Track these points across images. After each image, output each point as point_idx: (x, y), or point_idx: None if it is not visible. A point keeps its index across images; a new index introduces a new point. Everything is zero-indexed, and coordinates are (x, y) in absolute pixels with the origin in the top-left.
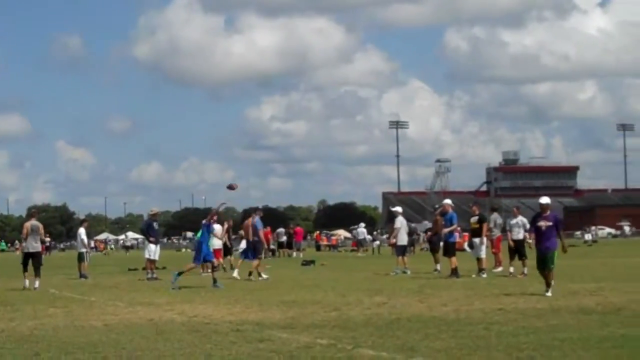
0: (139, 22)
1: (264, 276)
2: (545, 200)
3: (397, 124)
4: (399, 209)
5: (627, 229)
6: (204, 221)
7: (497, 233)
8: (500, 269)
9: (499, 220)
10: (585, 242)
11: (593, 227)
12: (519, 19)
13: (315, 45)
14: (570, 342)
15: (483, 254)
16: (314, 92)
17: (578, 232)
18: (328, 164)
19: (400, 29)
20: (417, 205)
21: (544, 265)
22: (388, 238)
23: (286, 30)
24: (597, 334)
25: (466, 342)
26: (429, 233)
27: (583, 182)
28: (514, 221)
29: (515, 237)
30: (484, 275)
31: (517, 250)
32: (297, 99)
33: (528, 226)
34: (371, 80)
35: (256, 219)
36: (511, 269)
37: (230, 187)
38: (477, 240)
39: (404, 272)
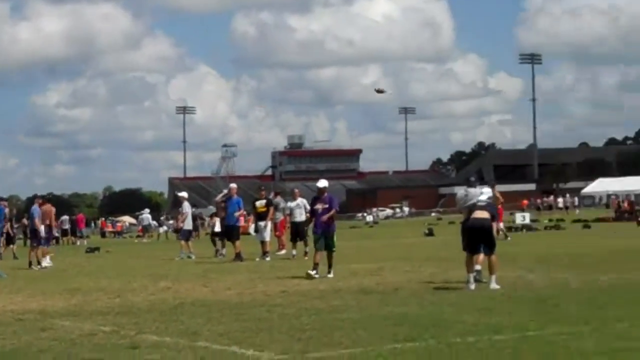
0: None
1: (45, 264)
2: (322, 183)
3: (184, 110)
4: (184, 194)
5: (406, 209)
6: None
7: (280, 216)
8: (283, 251)
9: (282, 204)
10: (367, 223)
11: (374, 209)
12: (306, 5)
13: (102, 31)
14: (351, 322)
15: (267, 237)
16: (101, 78)
17: (359, 214)
18: (114, 150)
19: (188, 15)
20: (203, 190)
21: (325, 246)
22: (175, 222)
23: (73, 17)
24: (377, 313)
25: (249, 324)
26: (214, 217)
27: (366, 164)
28: (294, 204)
29: (296, 220)
30: (268, 259)
31: (298, 232)
32: (84, 85)
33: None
34: (159, 65)
35: (34, 207)
36: (294, 252)
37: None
38: (262, 223)
39: (189, 257)
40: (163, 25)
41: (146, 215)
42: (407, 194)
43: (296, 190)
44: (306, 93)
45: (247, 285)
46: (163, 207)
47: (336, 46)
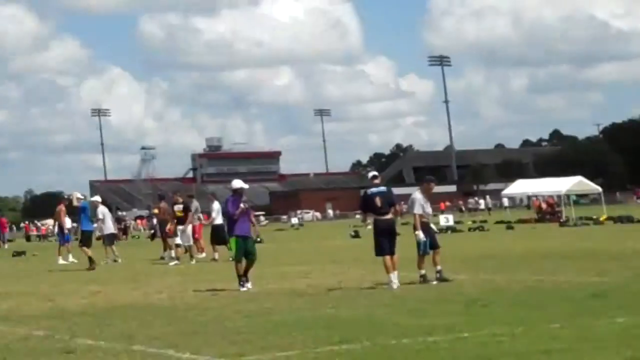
0: None
1: None
2: (238, 184)
3: (99, 112)
4: (97, 198)
5: (330, 212)
6: None
7: (196, 220)
8: (203, 254)
9: (199, 208)
10: (292, 225)
11: (299, 211)
12: (211, 6)
13: (9, 33)
14: (285, 325)
15: (190, 241)
16: (12, 81)
17: (284, 217)
18: (31, 153)
19: (94, 16)
20: (125, 193)
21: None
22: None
23: None
24: (310, 315)
25: (183, 327)
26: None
27: (285, 166)
28: (212, 207)
29: (214, 223)
30: (193, 262)
31: (218, 235)
32: None
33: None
34: (69, 67)
35: None
36: (215, 255)
37: None
38: (181, 227)
39: (115, 261)
40: (68, 26)
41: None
42: (330, 195)
43: (210, 195)
44: (220, 95)
45: (178, 288)
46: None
47: (245, 47)
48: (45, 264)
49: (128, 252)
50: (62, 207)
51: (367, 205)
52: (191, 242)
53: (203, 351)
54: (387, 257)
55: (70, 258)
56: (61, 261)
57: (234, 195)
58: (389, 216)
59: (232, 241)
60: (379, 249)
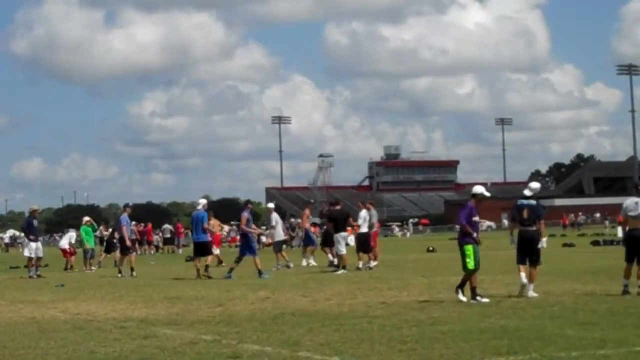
0: (15, 17)
1: (132, 273)
2: (479, 189)
3: (279, 119)
4: (271, 205)
5: (505, 222)
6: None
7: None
8: (374, 263)
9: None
10: None
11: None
12: (398, 14)
13: (196, 41)
14: (452, 334)
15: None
16: (195, 88)
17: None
18: (210, 159)
19: (281, 24)
20: (300, 200)
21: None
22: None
23: (166, 26)
24: (477, 326)
25: (349, 335)
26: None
27: (463, 176)
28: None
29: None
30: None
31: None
32: (178, 94)
33: (374, 220)
34: (253, 75)
35: (123, 216)
36: (372, 263)
37: None
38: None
39: (287, 266)
40: (255, 35)
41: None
42: (507, 205)
43: (359, 203)
44: (401, 103)
45: (347, 295)
46: (262, 216)
47: (429, 55)
48: (217, 269)
49: (299, 259)
50: (306, 212)
51: (515, 216)
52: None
53: (368, 359)
54: (522, 266)
55: (312, 262)
56: (304, 263)
57: (474, 200)
58: (533, 228)
59: (469, 249)
60: (517, 257)
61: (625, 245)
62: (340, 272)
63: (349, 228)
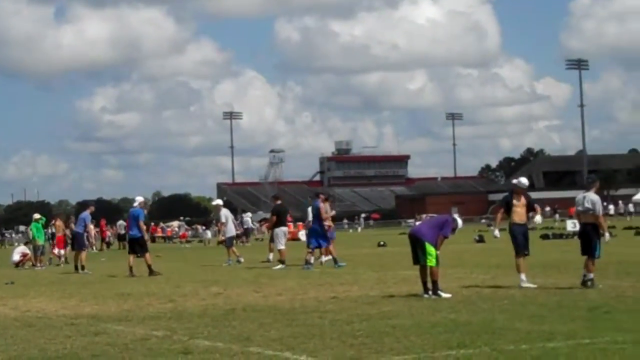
0: None
1: (83, 270)
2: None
3: (230, 115)
4: (219, 201)
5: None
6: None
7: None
8: (325, 258)
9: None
10: None
11: (424, 215)
12: (349, 9)
13: (146, 36)
14: (403, 328)
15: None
16: (146, 84)
17: (409, 220)
18: (161, 155)
19: (232, 20)
20: (252, 195)
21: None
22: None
23: (116, 21)
24: (428, 320)
25: (301, 330)
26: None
27: (414, 170)
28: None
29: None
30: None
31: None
32: (129, 90)
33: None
34: (204, 70)
35: (85, 214)
36: (324, 258)
37: None
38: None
39: (238, 262)
40: (206, 30)
41: (247, 218)
42: (457, 200)
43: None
44: (352, 98)
45: (299, 291)
46: (212, 212)
47: (380, 50)
48: (169, 265)
49: (251, 254)
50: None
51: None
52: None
53: (319, 354)
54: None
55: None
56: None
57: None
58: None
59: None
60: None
61: (579, 238)
62: (279, 267)
63: (299, 223)
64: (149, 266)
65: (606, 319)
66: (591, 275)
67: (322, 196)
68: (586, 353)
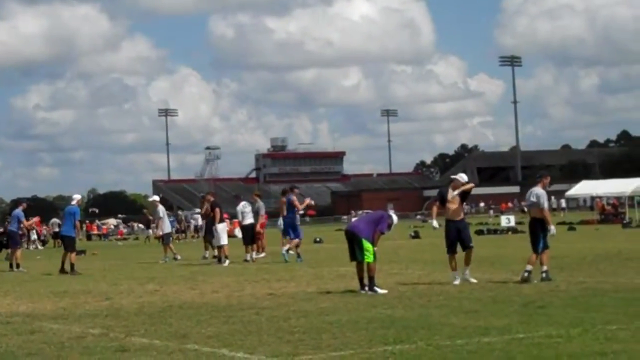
0: None
1: (18, 267)
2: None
3: (166, 112)
4: (156, 197)
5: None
6: None
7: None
8: (262, 254)
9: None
10: None
11: (360, 211)
12: (284, 6)
13: (80, 33)
14: (339, 324)
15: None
16: (80, 81)
17: (345, 217)
18: (96, 152)
19: (166, 16)
20: (187, 192)
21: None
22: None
23: (50, 18)
24: (364, 316)
25: (238, 327)
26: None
27: (349, 167)
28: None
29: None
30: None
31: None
32: (63, 87)
33: (262, 212)
34: (138, 67)
35: (18, 211)
36: (247, 256)
37: None
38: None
39: (174, 259)
40: (140, 27)
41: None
42: (392, 196)
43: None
44: (287, 95)
45: (235, 287)
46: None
47: (315, 47)
48: (105, 263)
49: (187, 252)
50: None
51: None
52: (221, 243)
53: (256, 350)
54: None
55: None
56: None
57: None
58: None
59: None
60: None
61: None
62: (227, 263)
63: (235, 220)
64: (72, 265)
65: (540, 313)
66: (545, 267)
67: (296, 190)
68: (521, 347)
